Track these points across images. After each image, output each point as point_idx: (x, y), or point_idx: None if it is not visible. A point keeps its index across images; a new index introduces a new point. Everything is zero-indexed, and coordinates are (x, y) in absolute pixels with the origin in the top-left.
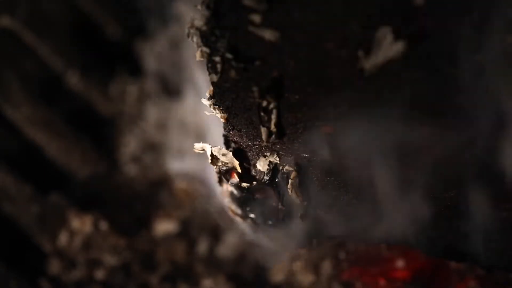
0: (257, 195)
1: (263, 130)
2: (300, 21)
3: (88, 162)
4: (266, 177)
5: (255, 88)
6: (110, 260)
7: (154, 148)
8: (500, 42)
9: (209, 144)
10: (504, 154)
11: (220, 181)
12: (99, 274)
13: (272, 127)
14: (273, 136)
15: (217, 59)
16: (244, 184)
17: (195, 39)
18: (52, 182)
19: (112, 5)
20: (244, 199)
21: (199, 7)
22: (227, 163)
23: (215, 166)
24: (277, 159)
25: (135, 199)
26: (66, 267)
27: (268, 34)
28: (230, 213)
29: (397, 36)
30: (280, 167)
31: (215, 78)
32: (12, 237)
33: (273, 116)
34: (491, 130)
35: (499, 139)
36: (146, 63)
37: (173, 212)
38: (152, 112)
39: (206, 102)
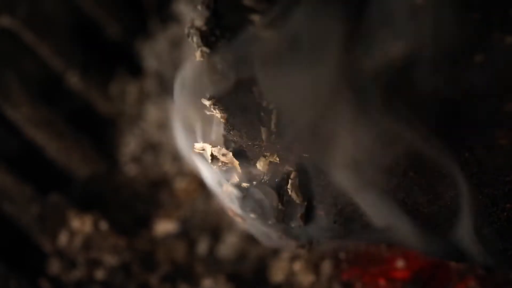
0: (257, 195)
1: (263, 130)
2: (300, 21)
3: (88, 162)
4: (266, 177)
5: (255, 88)
6: (110, 260)
7: (154, 148)
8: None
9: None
10: None
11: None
12: (99, 274)
13: (272, 127)
14: (273, 136)
15: (217, 59)
16: (244, 184)
17: (195, 39)
18: (52, 182)
19: (112, 5)
20: (244, 199)
21: (199, 7)
22: (227, 163)
23: (215, 166)
24: (277, 159)
25: (135, 199)
26: (66, 267)
27: (268, 34)
28: (230, 213)
29: (398, 36)
30: (280, 167)
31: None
32: (12, 237)
33: (273, 116)
34: None
35: None
36: (146, 63)
37: (173, 212)
38: (152, 112)
39: (206, 102)
